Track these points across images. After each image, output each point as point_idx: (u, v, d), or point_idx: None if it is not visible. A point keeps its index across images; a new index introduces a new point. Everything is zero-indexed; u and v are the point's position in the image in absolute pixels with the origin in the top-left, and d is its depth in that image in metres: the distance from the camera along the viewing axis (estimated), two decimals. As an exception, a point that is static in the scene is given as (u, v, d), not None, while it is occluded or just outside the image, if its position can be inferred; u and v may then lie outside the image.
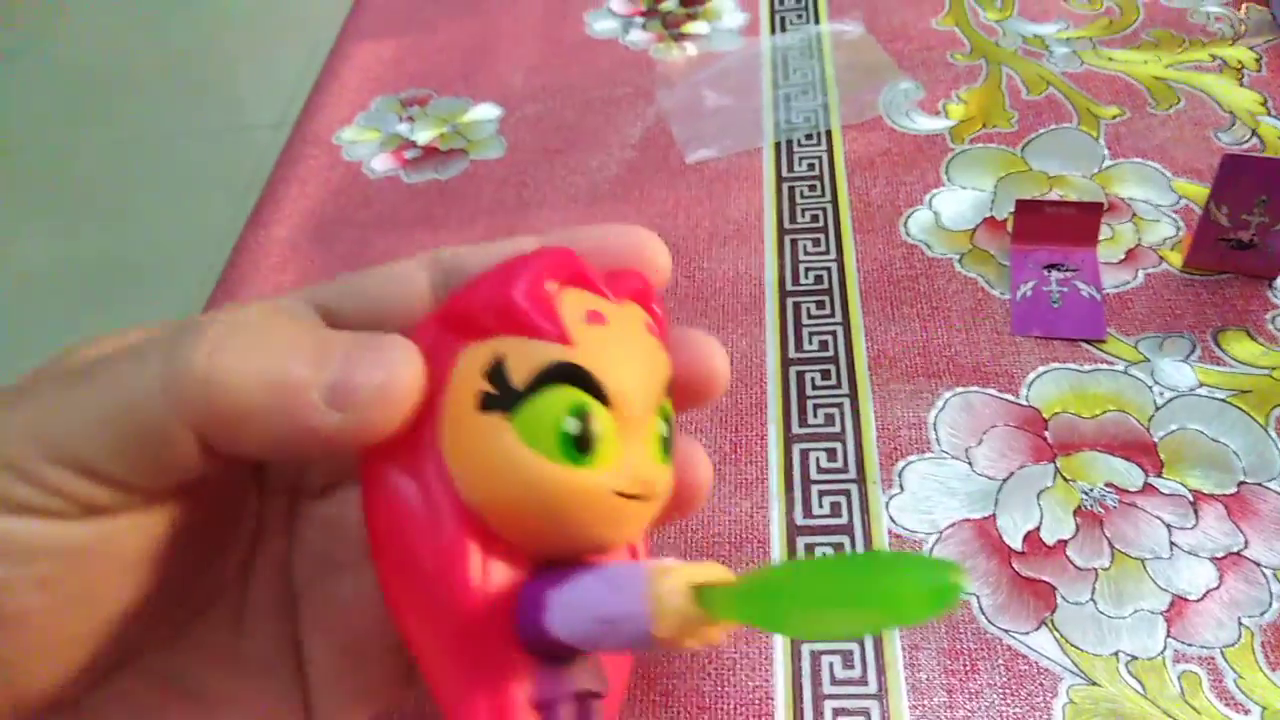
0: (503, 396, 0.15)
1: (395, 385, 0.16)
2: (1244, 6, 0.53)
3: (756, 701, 0.31)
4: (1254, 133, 0.46)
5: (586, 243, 0.19)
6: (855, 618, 0.14)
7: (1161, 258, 0.42)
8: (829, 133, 0.51)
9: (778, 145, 0.51)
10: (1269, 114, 0.47)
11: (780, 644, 0.33)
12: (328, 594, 0.21)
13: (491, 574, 0.16)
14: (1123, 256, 0.43)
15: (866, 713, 0.31)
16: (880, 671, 0.32)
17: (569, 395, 0.16)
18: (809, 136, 0.51)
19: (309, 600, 0.21)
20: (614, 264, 0.19)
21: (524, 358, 0.16)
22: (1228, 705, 0.30)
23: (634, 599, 0.15)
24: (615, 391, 0.16)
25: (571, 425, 0.16)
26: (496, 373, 0.16)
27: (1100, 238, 0.43)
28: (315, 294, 0.20)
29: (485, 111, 0.57)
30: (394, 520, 0.16)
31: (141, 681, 0.18)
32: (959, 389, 0.39)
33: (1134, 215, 0.44)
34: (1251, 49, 0.51)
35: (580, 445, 0.16)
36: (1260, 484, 0.34)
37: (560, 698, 0.16)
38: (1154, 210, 0.44)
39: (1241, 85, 0.49)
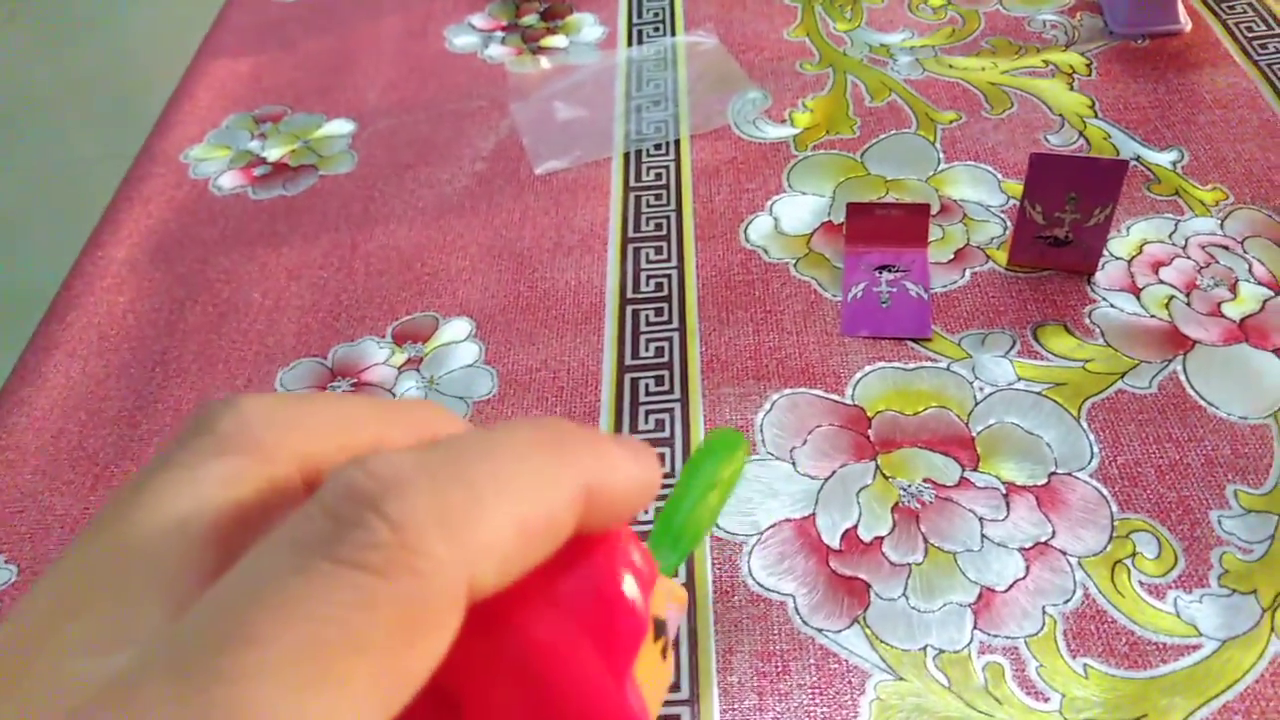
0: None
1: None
2: (1078, 14, 0.55)
3: None
4: (1081, 134, 0.48)
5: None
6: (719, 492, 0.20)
7: (988, 256, 0.43)
8: (677, 142, 0.51)
9: (627, 156, 0.50)
10: (1096, 116, 0.49)
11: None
12: None
13: None
14: (952, 256, 0.43)
15: (678, 719, 0.30)
16: (694, 678, 0.31)
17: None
18: (658, 146, 0.51)
19: None
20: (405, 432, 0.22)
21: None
22: (1029, 694, 0.30)
23: None
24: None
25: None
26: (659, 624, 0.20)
27: (931, 238, 0.43)
28: None
29: (338, 127, 0.56)
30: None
31: None
32: (787, 390, 0.39)
33: (965, 216, 0.45)
34: (1083, 54, 0.52)
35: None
36: (1070, 473, 0.35)
37: None
38: (984, 211, 0.45)
39: (1072, 90, 0.50)
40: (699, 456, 0.27)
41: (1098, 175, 0.38)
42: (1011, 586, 0.32)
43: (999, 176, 0.46)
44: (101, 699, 0.13)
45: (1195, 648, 0.30)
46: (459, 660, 0.20)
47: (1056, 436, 0.36)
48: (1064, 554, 0.33)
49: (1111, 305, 0.40)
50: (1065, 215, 0.40)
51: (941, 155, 0.48)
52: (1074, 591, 0.32)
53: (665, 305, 0.43)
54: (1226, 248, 0.42)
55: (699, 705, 0.30)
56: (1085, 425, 0.36)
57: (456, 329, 0.43)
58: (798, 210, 0.46)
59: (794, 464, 0.36)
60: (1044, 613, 0.31)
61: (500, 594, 0.20)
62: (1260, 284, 0.40)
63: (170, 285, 0.48)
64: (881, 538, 0.34)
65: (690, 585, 0.33)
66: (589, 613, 0.21)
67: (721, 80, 0.54)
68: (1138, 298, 0.40)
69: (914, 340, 0.40)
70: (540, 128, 0.53)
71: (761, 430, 0.38)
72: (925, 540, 0.34)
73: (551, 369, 0.41)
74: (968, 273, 0.42)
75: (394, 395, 0.41)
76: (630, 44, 0.58)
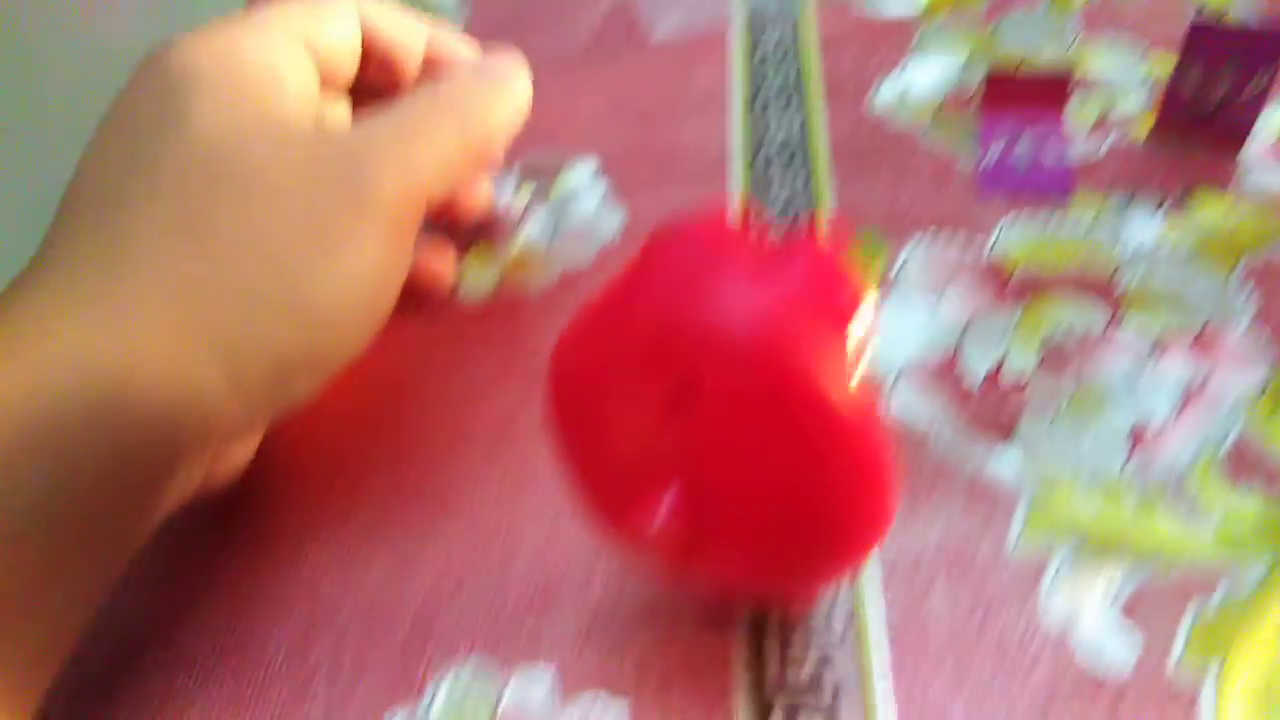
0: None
1: None
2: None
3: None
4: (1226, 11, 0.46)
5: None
6: None
7: (1129, 129, 0.42)
8: (799, 10, 0.50)
9: (749, 19, 0.50)
10: None
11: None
12: None
13: None
14: (1090, 127, 0.42)
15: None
16: (836, 493, 0.31)
17: None
18: (779, 13, 0.50)
19: None
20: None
21: None
22: (1189, 517, 0.29)
23: None
24: None
25: None
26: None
27: (1069, 108, 0.42)
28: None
29: (449, -9, 0.55)
30: None
31: None
32: (921, 241, 0.38)
33: (1103, 89, 0.44)
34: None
35: None
36: (1220, 327, 0.34)
37: None
38: (1123, 84, 0.44)
39: (1211, -20, 0.49)
40: None
41: (1259, 46, 0.37)
42: (1166, 422, 0.31)
43: (1141, 48, 0.45)
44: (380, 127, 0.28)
45: (1363, 485, 0.29)
46: (693, 345, 0.20)
47: (1208, 292, 0.35)
48: (1220, 395, 0.32)
49: (1264, 176, 0.39)
50: (1218, 90, 0.39)
51: (1080, 27, 0.47)
52: (1230, 430, 0.31)
53: (792, 160, 0.42)
54: (1381, 128, 0.40)
55: (843, 517, 0.30)
56: (1238, 281, 0.35)
57: (585, 170, 0.43)
58: (927, 78, 0.45)
59: (932, 309, 0.36)
60: (1201, 447, 0.31)
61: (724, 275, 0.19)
62: None
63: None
64: (1026, 377, 0.33)
65: (829, 411, 0.33)
66: (813, 288, 0.20)
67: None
68: (1288, 170, 0.39)
69: (1054, 201, 0.39)
70: (659, -3, 0.52)
71: (898, 278, 0.37)
72: (1074, 380, 0.33)
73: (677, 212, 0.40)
74: (1107, 143, 0.41)
75: (525, 230, 0.41)
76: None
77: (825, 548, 0.21)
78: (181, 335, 0.23)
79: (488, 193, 0.39)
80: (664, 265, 0.20)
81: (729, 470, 0.20)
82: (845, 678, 0.27)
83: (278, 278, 0.24)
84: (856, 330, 0.19)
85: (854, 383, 0.19)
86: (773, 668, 0.27)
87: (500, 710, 0.27)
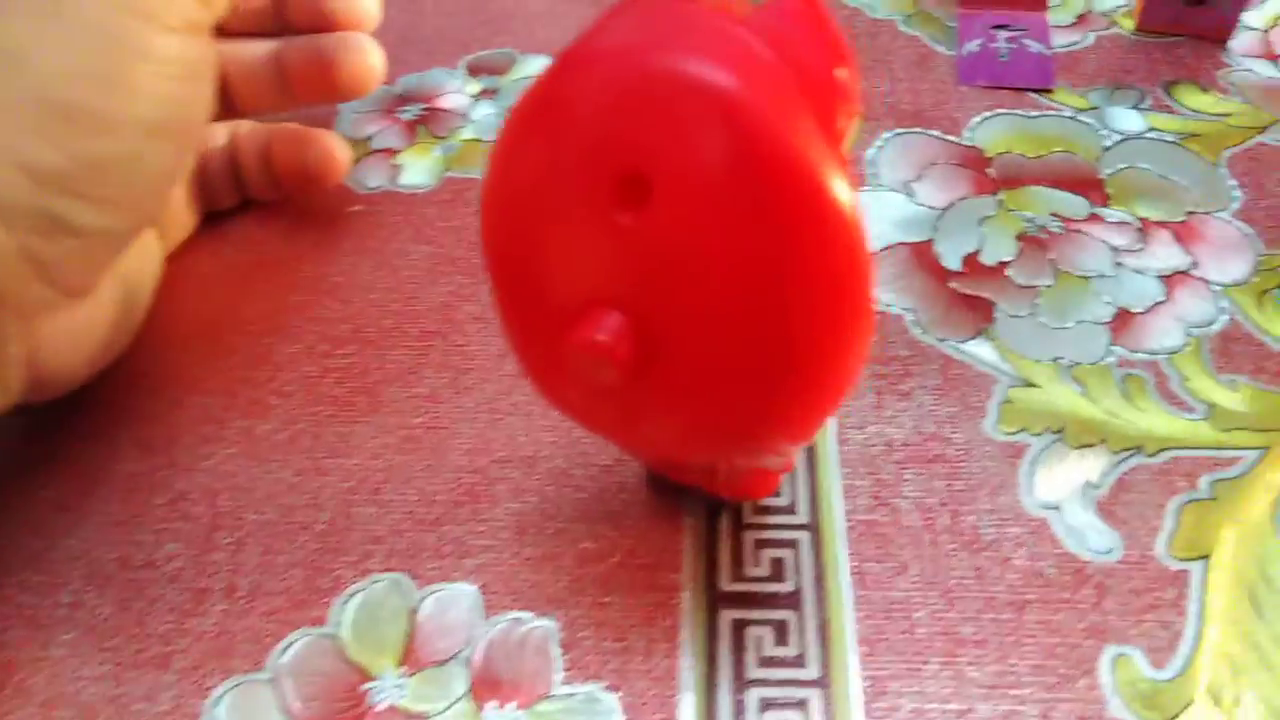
0: None
1: None
2: None
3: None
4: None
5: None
6: None
7: (1113, 21, 0.40)
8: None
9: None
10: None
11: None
12: None
13: None
14: (1074, 20, 0.40)
15: (787, 416, 0.28)
16: (804, 380, 0.29)
17: None
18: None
19: None
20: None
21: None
22: (1172, 404, 0.28)
23: None
24: None
25: None
26: None
27: (1050, 2, 0.40)
28: None
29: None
30: None
31: None
32: (900, 129, 0.36)
33: (1086, -15, 0.42)
34: None
35: None
36: (1210, 213, 0.32)
37: None
38: (1107, -19, 0.42)
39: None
40: None
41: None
42: (1151, 309, 0.30)
43: (1124, -51, 0.43)
44: None
45: (1354, 369, 0.28)
46: (652, 142, 0.17)
47: (1194, 180, 0.33)
48: (1206, 282, 0.30)
49: (1250, 70, 0.37)
50: (1208, -32, 0.37)
51: (1060, -71, 0.44)
52: (1218, 315, 0.30)
53: (761, 52, 0.40)
54: (1371, 25, 0.39)
55: (811, 404, 0.28)
56: (1225, 170, 0.34)
57: (535, 65, 0.40)
58: (905, -28, 0.43)
59: (909, 195, 0.34)
60: (1187, 333, 0.29)
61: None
62: None
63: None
64: (1006, 262, 0.31)
65: (798, 298, 0.31)
66: (790, 42, 0.17)
67: None
68: (1277, 64, 0.37)
69: (1036, 91, 0.37)
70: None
71: (873, 164, 0.35)
72: (1054, 266, 0.31)
73: (641, 99, 0.38)
74: (1091, 35, 0.39)
75: (471, 121, 0.38)
76: None
77: (796, 381, 0.18)
78: None
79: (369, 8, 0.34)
80: (612, 33, 0.17)
81: (686, 280, 0.17)
82: (804, 575, 0.25)
83: (7, 69, 0.21)
84: (844, 107, 0.17)
85: (838, 173, 0.16)
86: (725, 565, 0.25)
87: (416, 628, 0.24)
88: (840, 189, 0.16)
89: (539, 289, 0.19)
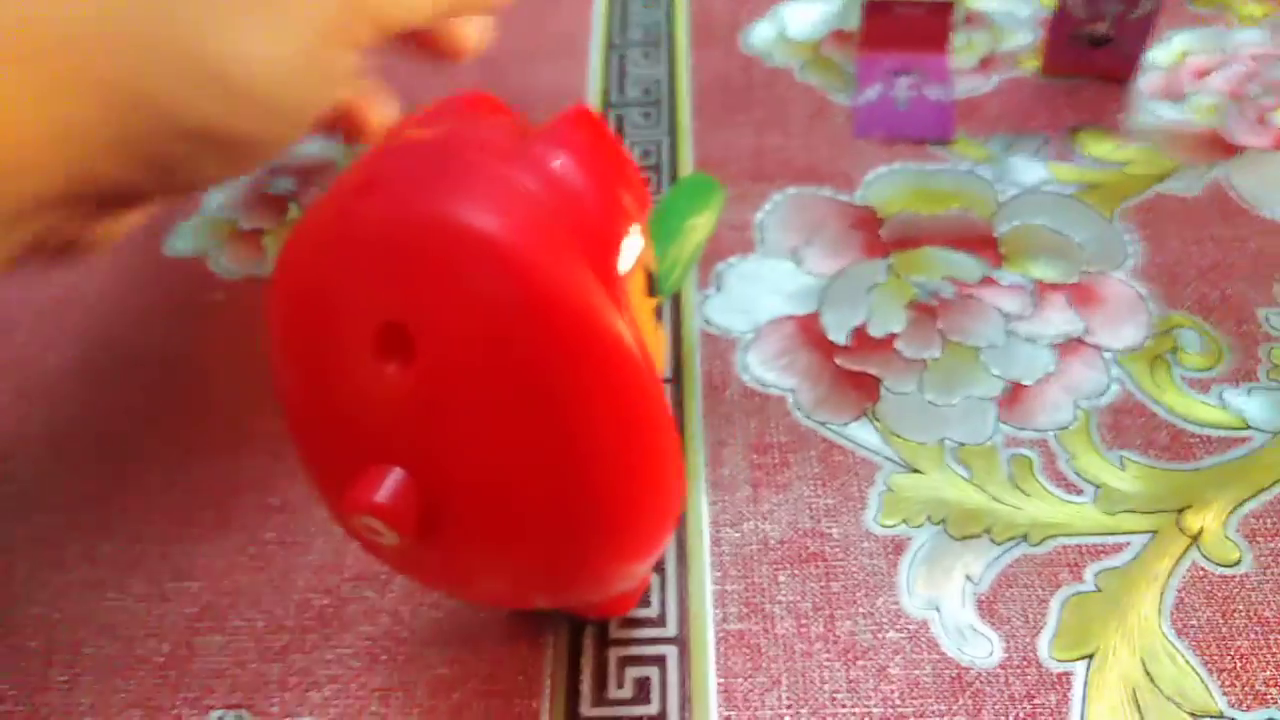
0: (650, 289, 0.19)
1: None
2: None
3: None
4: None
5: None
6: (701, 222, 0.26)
7: (1018, 63, 0.39)
8: (673, -49, 0.46)
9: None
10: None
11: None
12: None
13: None
14: (977, 64, 0.39)
15: (660, 514, 0.26)
16: (680, 473, 0.27)
17: None
18: (651, -45, 0.46)
19: None
20: None
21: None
22: (1059, 486, 0.26)
23: None
24: None
25: None
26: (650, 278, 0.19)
27: (954, 45, 0.39)
28: None
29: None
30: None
31: None
32: (791, 189, 0.35)
33: (992, 25, 0.40)
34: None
35: None
36: (1104, 272, 0.31)
37: None
38: (1013, 19, 0.41)
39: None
40: (674, 198, 0.27)
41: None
42: (1041, 381, 0.29)
43: (1028, -15, 0.42)
44: None
45: (1243, 440, 0.27)
46: (412, 290, 0.15)
47: (1090, 237, 0.32)
48: (1099, 349, 0.29)
49: (1153, 112, 0.36)
50: (1109, 6, 0.36)
51: (964, -35, 0.43)
52: (1109, 385, 0.28)
53: (654, 110, 0.38)
54: (1278, 58, 0.38)
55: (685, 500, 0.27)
56: (1120, 225, 0.32)
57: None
58: (805, 15, 0.42)
59: (797, 262, 0.32)
60: (1076, 406, 0.28)
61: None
62: (1314, 94, 0.36)
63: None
64: (894, 335, 0.30)
65: (676, 380, 0.30)
66: (566, 184, 0.16)
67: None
68: (1181, 104, 0.36)
69: (934, 143, 0.36)
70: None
71: (761, 229, 0.33)
72: (944, 336, 0.30)
73: (527, 165, 0.36)
74: (995, 79, 0.38)
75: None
76: None
77: (601, 531, 0.17)
78: (56, 80, 0.20)
79: (476, 35, 0.33)
80: (384, 165, 0.16)
81: (465, 434, 0.16)
82: (669, 696, 0.23)
83: (175, 29, 0.21)
84: (631, 239, 0.15)
85: (611, 313, 0.15)
86: (587, 688, 0.24)
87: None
88: (616, 327, 0.15)
89: (326, 436, 0.18)
